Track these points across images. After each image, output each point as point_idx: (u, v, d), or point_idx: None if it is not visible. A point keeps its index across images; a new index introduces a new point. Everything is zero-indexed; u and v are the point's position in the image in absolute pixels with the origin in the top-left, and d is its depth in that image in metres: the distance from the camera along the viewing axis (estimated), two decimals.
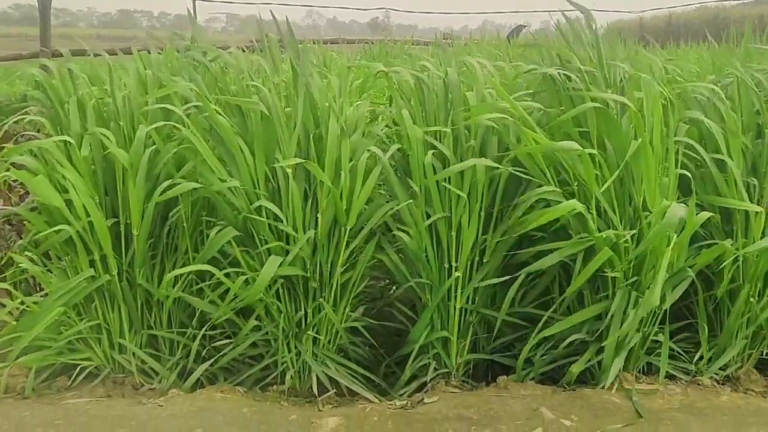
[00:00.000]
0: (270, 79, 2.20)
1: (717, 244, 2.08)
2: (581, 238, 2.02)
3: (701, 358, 2.16)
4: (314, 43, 4.99)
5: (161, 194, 2.02)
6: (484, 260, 2.13)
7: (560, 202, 1.97)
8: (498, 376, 2.12)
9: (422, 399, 1.95)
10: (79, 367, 2.15)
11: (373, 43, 4.99)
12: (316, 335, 2.15)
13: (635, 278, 2.02)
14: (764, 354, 2.25)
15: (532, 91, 2.27)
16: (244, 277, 2.01)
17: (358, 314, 2.26)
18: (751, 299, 2.17)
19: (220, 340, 2.19)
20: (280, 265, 2.01)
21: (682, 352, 2.13)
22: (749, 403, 1.92)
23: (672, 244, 1.94)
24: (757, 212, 2.13)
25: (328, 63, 3.44)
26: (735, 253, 2.05)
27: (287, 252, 2.05)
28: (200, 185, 2.04)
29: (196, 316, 2.22)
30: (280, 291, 2.12)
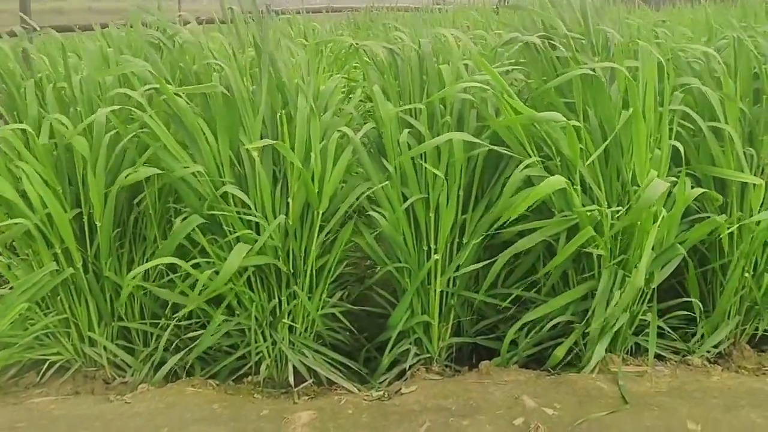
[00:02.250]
0: (234, 56, 2.08)
1: (710, 218, 1.98)
2: (564, 216, 1.92)
3: (693, 336, 2.09)
4: (298, 13, 4.82)
5: (121, 182, 1.93)
6: (464, 241, 2.03)
7: (543, 178, 1.86)
8: (483, 360, 2.05)
9: (400, 388, 1.88)
10: (48, 362, 2.09)
11: (357, 11, 4.81)
12: (292, 323, 2.08)
13: (622, 257, 1.93)
14: (757, 329, 2.17)
15: (513, 61, 2.15)
16: (208, 271, 1.91)
17: (336, 300, 2.17)
18: (746, 275, 2.08)
19: (195, 330, 2.11)
20: (249, 253, 1.92)
21: (671, 331, 2.04)
22: (740, 383, 1.84)
23: (659, 221, 1.85)
24: (755, 184, 2.02)
25: (308, 35, 3.30)
26: (729, 228, 1.95)
27: (257, 239, 1.96)
28: (161, 171, 1.94)
29: (169, 305, 2.14)
30: (252, 279, 2.03)
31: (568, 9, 2.10)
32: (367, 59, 2.11)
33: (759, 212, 2.01)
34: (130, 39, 2.30)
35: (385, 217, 1.99)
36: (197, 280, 1.95)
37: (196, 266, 1.99)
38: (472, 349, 2.24)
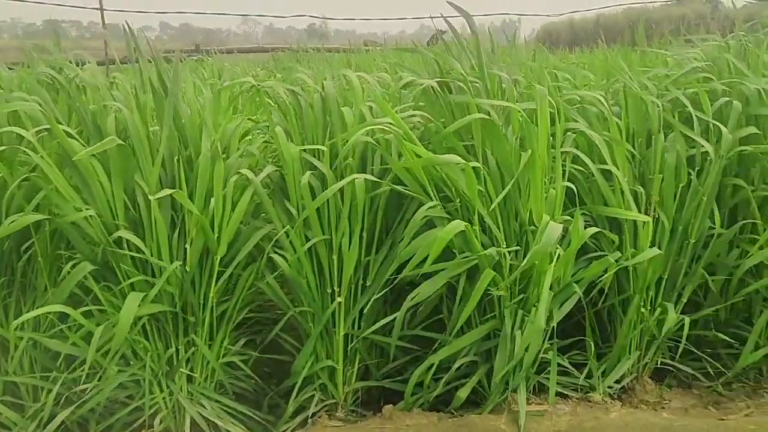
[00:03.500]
0: (135, 96, 2.03)
1: (606, 256, 2.04)
2: (465, 257, 1.93)
3: (595, 372, 2.12)
4: (218, 53, 4.82)
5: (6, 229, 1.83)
6: (368, 283, 2.02)
7: (444, 219, 1.88)
8: (396, 402, 2.02)
9: None
10: None
11: (284, 51, 4.83)
12: (190, 373, 2.00)
13: (522, 296, 1.95)
14: (659, 363, 2.22)
15: (413, 104, 2.18)
16: (103, 324, 1.82)
17: (239, 347, 2.11)
18: (643, 309, 2.13)
19: (89, 381, 2.00)
20: (144, 300, 1.85)
21: (573, 369, 2.07)
22: (637, 418, 1.87)
23: (555, 261, 1.88)
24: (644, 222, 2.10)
25: (222, 75, 3.27)
26: (618, 266, 2.00)
27: (153, 286, 1.89)
28: (48, 217, 1.86)
29: (62, 357, 2.03)
30: (147, 327, 1.95)
31: (465, 54, 2.16)
32: (269, 101, 2.10)
33: (649, 248, 2.07)
34: (22, 79, 2.22)
35: (287, 260, 1.96)
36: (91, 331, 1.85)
37: (88, 314, 1.90)
38: (382, 392, 2.20)
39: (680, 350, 2.17)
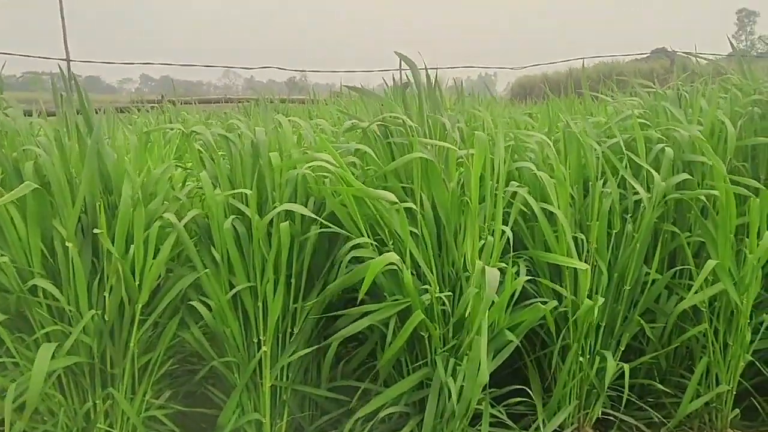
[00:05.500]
0: (58, 142, 1.99)
1: (539, 303, 2.00)
2: (395, 299, 1.88)
3: (538, 421, 2.05)
4: (189, 103, 4.86)
5: None
6: (295, 331, 1.95)
7: (374, 258, 1.83)
8: None
9: None
10: None
11: (248, 102, 4.87)
12: (108, 429, 1.89)
13: (454, 342, 1.90)
14: (600, 414, 2.16)
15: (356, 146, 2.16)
16: (16, 381, 1.72)
17: (163, 400, 2.01)
18: (581, 358, 2.09)
19: None
20: (59, 351, 1.76)
21: (507, 420, 2.00)
22: None
23: (489, 308, 1.84)
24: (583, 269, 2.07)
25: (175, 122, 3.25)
26: (552, 312, 1.97)
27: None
28: None
29: None
30: (63, 380, 1.86)
31: (409, 99, 2.15)
32: (198, 147, 2.08)
33: (588, 296, 2.04)
34: None
35: (210, 308, 1.89)
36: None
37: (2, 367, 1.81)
38: None
39: (624, 400, 2.11)
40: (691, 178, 2.20)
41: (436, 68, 2.20)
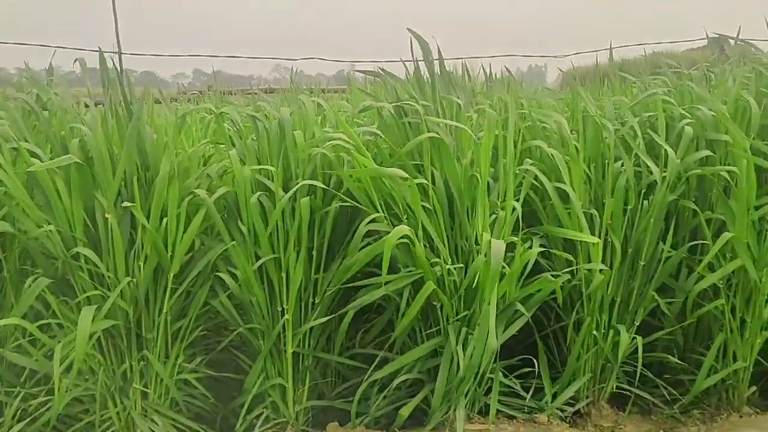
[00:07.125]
0: (104, 122, 2.14)
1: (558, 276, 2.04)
2: (408, 271, 1.96)
3: (549, 393, 2.10)
4: (221, 94, 5.05)
5: None
6: (316, 301, 2.06)
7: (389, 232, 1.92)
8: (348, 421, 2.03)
9: None
10: None
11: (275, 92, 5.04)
12: (144, 389, 2.04)
13: (466, 313, 1.96)
14: (615, 388, 2.19)
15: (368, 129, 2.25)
16: (62, 342, 1.87)
17: (195, 364, 2.15)
18: (595, 332, 2.12)
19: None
20: (97, 314, 1.91)
21: (519, 390, 2.05)
22: None
23: (500, 280, 1.90)
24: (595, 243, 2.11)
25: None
26: (564, 284, 2.01)
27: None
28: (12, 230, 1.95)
29: (26, 372, 2.09)
30: (103, 342, 2.01)
31: (421, 82, 2.23)
32: (228, 126, 2.20)
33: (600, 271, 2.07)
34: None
35: (236, 278, 2.01)
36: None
37: (48, 327, 1.97)
38: (339, 412, 2.20)
39: (638, 375, 2.14)
40: (712, 154, 2.20)
41: (474, 57, 2.26)
